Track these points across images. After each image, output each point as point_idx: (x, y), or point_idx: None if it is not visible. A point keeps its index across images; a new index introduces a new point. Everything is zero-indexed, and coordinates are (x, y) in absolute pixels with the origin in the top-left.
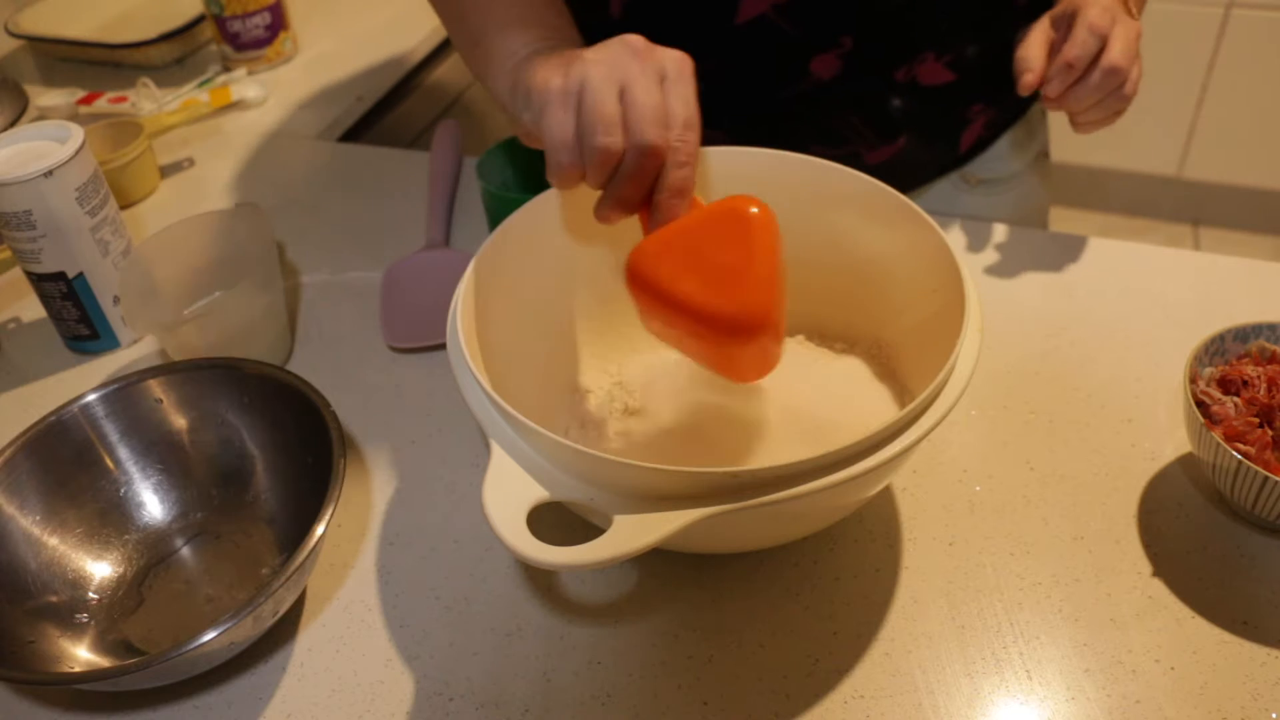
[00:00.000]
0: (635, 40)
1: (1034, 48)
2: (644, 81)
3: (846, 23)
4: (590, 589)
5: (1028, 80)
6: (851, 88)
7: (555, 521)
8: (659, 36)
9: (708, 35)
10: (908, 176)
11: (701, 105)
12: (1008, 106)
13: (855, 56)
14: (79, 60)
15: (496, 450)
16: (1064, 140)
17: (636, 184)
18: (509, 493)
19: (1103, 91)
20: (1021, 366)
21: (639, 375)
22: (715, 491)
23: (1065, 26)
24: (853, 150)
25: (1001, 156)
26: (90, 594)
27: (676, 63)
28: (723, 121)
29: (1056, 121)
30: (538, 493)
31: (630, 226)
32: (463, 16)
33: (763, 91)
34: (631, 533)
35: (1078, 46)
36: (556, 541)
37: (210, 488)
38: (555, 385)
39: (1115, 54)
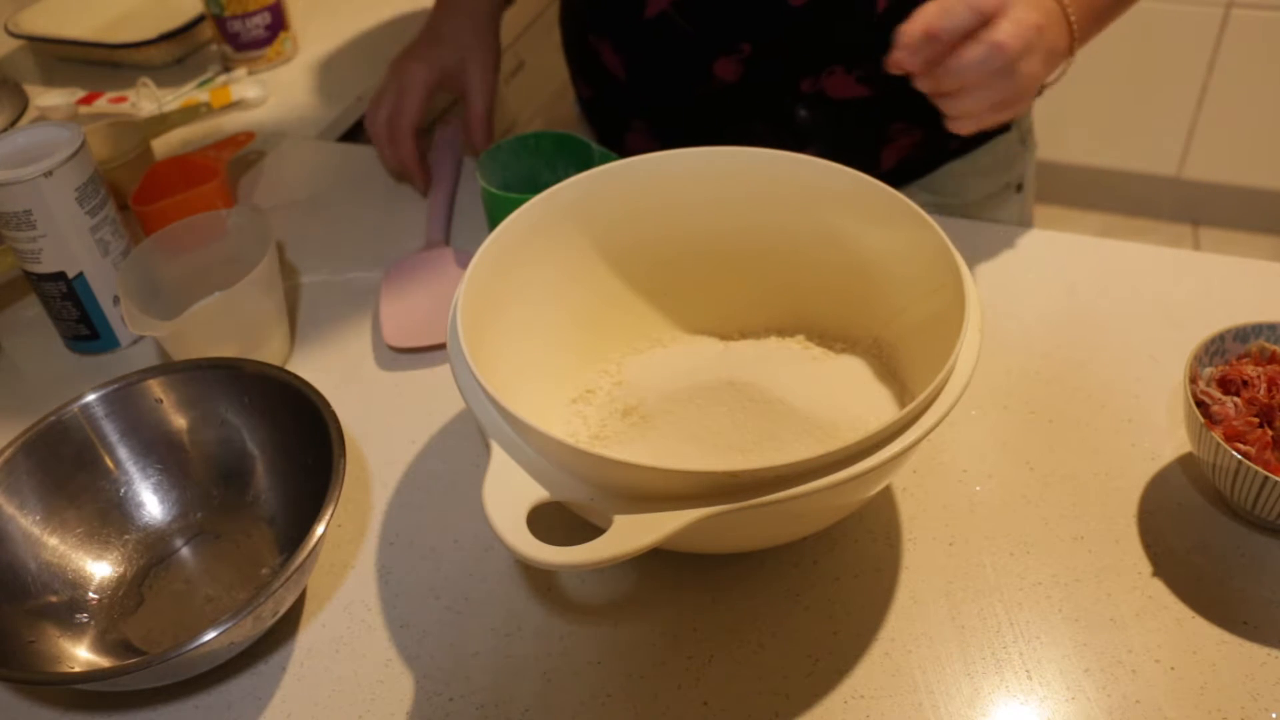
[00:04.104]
0: None
1: (917, 23)
2: None
3: (744, 28)
4: (590, 589)
5: (896, 57)
6: (754, 94)
7: (555, 521)
8: (582, 23)
9: (622, 26)
10: None
11: (625, 93)
12: (947, 131)
13: (755, 63)
14: (79, 60)
15: (496, 450)
16: (1065, 140)
17: None
18: (509, 493)
19: (983, 71)
20: (1021, 366)
21: (639, 375)
22: (715, 491)
23: None
24: None
25: (959, 183)
26: (90, 594)
27: None
28: (644, 110)
29: (1053, 125)
30: (538, 493)
31: (630, 229)
32: None
33: (676, 87)
34: (631, 533)
35: (945, 16)
36: (556, 541)
37: (210, 488)
38: (555, 385)
39: (1002, 31)
